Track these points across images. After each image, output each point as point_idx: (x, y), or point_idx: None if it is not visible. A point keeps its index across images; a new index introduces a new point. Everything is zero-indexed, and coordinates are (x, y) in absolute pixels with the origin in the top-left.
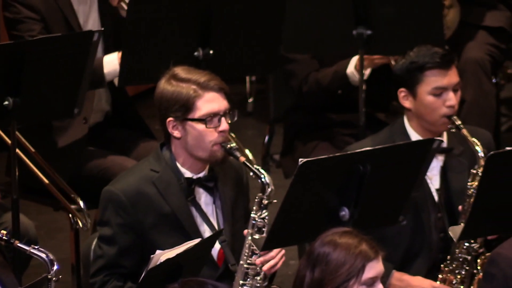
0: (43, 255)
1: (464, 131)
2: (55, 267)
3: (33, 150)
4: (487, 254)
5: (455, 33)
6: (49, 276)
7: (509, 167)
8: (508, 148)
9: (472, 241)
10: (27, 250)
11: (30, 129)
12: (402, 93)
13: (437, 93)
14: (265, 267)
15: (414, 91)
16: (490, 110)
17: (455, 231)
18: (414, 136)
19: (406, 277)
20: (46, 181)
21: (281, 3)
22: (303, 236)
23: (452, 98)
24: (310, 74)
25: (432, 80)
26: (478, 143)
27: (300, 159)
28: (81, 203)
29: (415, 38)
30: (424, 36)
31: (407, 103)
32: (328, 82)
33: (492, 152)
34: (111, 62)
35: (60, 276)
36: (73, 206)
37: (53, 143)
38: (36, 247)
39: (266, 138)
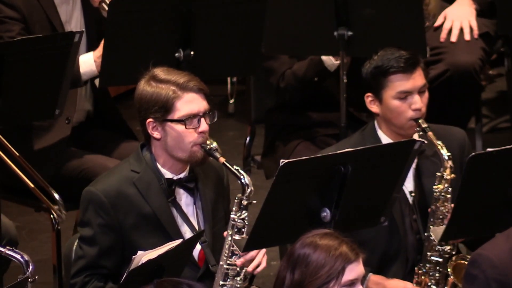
0: (18, 256)
1: (430, 134)
2: (31, 268)
3: (17, 154)
4: (455, 256)
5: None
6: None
7: (490, 168)
8: (489, 149)
9: (443, 243)
10: (2, 251)
11: (12, 129)
12: (368, 98)
13: (402, 97)
14: (250, 268)
15: (379, 96)
16: None
17: (436, 232)
18: (385, 140)
19: (382, 280)
20: (31, 185)
21: (262, 5)
22: (284, 237)
23: (417, 101)
24: (287, 70)
25: (396, 84)
26: (443, 146)
27: (281, 160)
28: (56, 196)
29: (396, 39)
30: (405, 37)
31: (374, 107)
32: (305, 71)
33: (473, 153)
34: (87, 62)
35: (36, 277)
36: (56, 207)
37: (35, 143)
38: (11, 248)
39: (247, 139)
